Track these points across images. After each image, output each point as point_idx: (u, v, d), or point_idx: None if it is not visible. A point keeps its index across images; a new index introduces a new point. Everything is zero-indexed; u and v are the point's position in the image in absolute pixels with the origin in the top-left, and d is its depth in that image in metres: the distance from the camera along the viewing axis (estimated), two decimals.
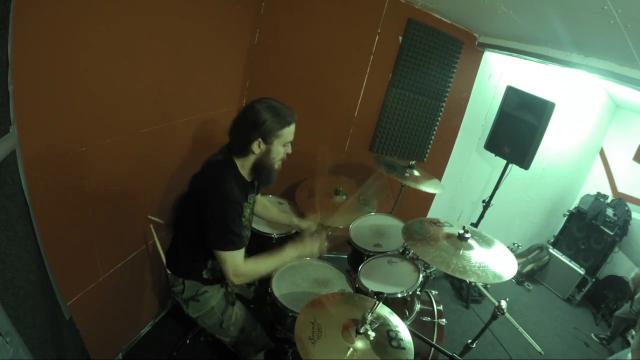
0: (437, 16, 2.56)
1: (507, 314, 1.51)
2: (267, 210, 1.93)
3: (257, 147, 1.38)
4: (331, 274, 1.80)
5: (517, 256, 3.76)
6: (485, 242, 1.69)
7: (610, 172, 3.76)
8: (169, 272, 1.54)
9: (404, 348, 1.22)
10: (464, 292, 3.08)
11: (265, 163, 1.43)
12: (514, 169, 2.77)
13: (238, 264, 1.36)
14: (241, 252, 1.38)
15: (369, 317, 1.21)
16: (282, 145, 1.42)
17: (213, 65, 1.93)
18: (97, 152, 1.33)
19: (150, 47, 1.45)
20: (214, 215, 1.32)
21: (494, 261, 1.55)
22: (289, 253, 1.54)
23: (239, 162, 1.43)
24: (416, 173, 2.40)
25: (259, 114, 1.34)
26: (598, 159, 3.86)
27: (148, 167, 1.68)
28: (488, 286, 3.18)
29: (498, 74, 3.04)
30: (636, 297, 2.82)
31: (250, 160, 1.43)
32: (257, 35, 2.26)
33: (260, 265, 1.45)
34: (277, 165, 1.48)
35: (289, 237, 2.02)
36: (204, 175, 1.40)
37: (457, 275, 1.45)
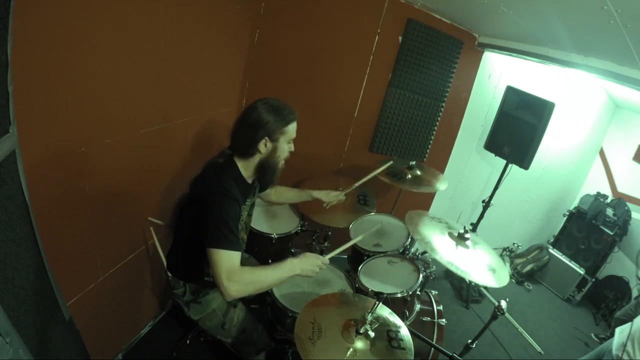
0: (437, 16, 2.56)
1: (507, 314, 1.51)
2: (283, 195, 1.94)
3: (264, 146, 1.38)
4: (331, 274, 1.80)
5: (517, 256, 3.77)
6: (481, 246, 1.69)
7: (610, 172, 3.76)
8: (169, 274, 1.54)
9: (404, 348, 1.22)
10: (463, 292, 3.08)
11: (271, 162, 1.43)
12: (513, 169, 2.77)
13: (234, 266, 1.24)
14: (237, 255, 1.28)
15: (369, 317, 1.21)
16: (286, 142, 1.44)
17: (213, 65, 1.94)
18: (97, 152, 1.33)
19: (150, 47, 1.45)
20: (212, 212, 1.28)
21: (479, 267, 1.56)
22: (289, 267, 1.35)
23: (241, 164, 1.43)
24: (418, 172, 2.39)
25: (263, 113, 1.36)
26: (598, 159, 3.86)
27: (148, 167, 1.68)
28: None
29: (498, 74, 3.04)
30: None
31: (255, 160, 1.42)
32: (257, 35, 2.26)
33: (258, 274, 1.29)
34: (281, 164, 1.48)
35: (289, 237, 2.02)
36: (205, 176, 1.40)
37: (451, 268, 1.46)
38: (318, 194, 1.93)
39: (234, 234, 1.28)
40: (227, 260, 1.24)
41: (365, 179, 2.05)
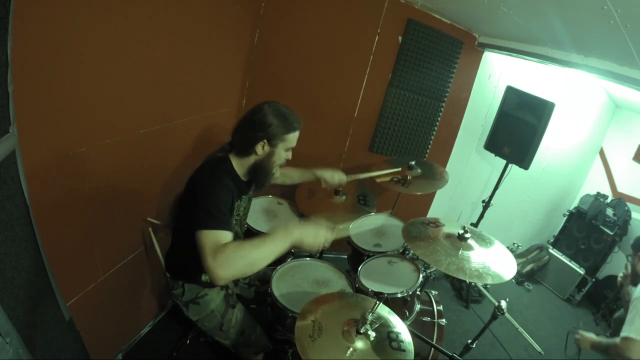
0: (437, 16, 2.56)
1: (507, 314, 1.51)
2: (289, 177, 1.92)
3: (261, 149, 1.39)
4: (331, 274, 1.80)
5: (517, 256, 3.76)
6: (485, 242, 1.69)
7: (610, 172, 3.76)
8: (168, 275, 1.54)
9: (404, 349, 1.22)
10: (464, 292, 3.08)
11: (265, 165, 1.43)
12: (513, 169, 2.77)
13: (218, 243, 1.10)
14: (227, 234, 1.16)
15: (369, 317, 1.21)
16: (284, 150, 1.44)
17: (213, 65, 1.93)
18: (96, 153, 1.33)
19: (150, 47, 1.45)
20: (203, 197, 1.22)
21: (493, 262, 1.55)
22: (285, 235, 1.19)
23: (237, 161, 1.43)
24: (419, 171, 2.36)
25: (267, 116, 1.36)
26: (598, 159, 3.86)
27: (148, 167, 1.68)
28: (488, 286, 3.18)
29: (498, 74, 3.04)
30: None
31: (251, 160, 1.43)
32: (257, 35, 2.26)
33: (246, 247, 1.12)
34: (275, 169, 1.48)
35: None
36: (201, 168, 1.40)
37: (458, 276, 1.44)
38: (322, 173, 1.90)
39: (224, 215, 1.21)
40: (214, 238, 1.12)
41: (370, 175, 2.04)
